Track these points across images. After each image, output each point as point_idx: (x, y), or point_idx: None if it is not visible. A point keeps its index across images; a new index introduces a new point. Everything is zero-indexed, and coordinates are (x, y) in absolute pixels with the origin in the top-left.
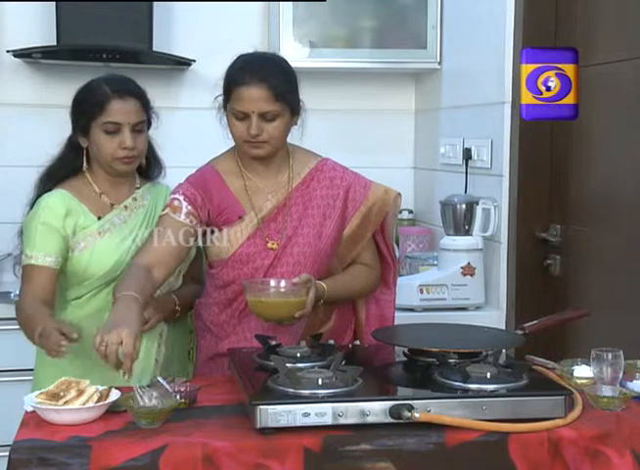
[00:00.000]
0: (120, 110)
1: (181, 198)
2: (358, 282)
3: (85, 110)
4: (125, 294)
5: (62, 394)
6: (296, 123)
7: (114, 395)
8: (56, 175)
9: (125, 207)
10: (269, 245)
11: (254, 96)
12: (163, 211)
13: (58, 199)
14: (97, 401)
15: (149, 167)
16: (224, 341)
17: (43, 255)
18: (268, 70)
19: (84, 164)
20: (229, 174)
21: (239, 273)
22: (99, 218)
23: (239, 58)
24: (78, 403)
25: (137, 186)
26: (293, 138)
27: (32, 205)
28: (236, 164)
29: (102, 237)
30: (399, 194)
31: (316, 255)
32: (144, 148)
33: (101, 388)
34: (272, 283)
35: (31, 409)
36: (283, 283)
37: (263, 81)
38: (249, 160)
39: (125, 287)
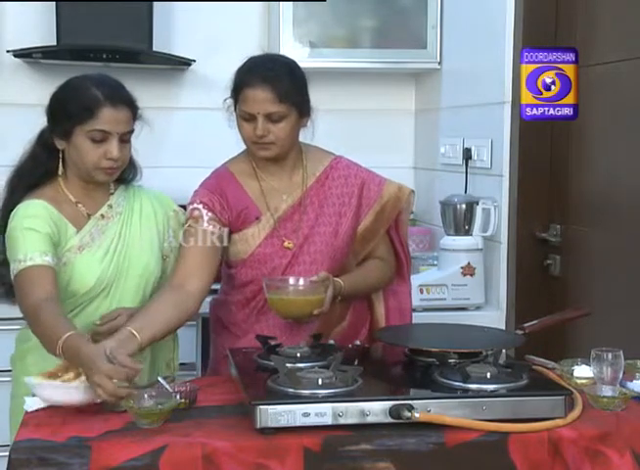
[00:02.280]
0: (112, 118)
1: (200, 206)
2: (373, 276)
3: (71, 113)
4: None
5: (59, 374)
6: (305, 125)
7: None
8: (28, 178)
9: (102, 215)
10: (285, 244)
11: (259, 97)
12: (186, 223)
13: (40, 208)
14: None
15: (123, 171)
16: (242, 339)
17: (39, 254)
18: (273, 72)
19: (60, 169)
20: (244, 176)
21: (257, 273)
22: (78, 230)
23: (248, 60)
24: (76, 383)
25: (111, 191)
26: (304, 139)
27: (4, 211)
28: (250, 166)
29: (81, 252)
30: (413, 191)
31: (333, 252)
32: (128, 158)
33: None
34: (291, 281)
35: (32, 409)
36: (302, 281)
37: (267, 83)
38: (262, 161)
39: (133, 320)
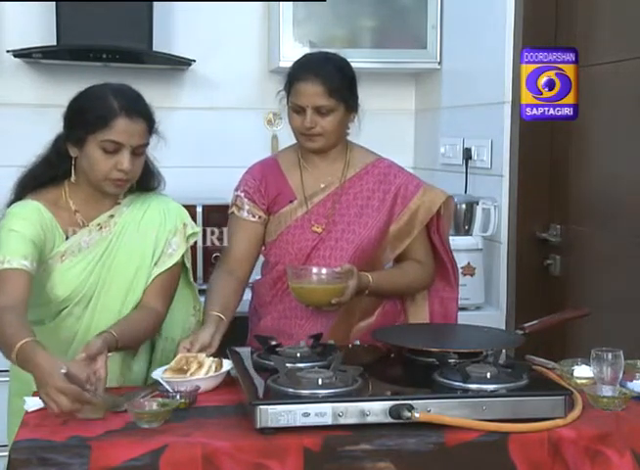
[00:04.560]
0: (126, 130)
1: (242, 195)
2: (407, 277)
3: (85, 121)
4: (209, 314)
5: (185, 367)
6: (352, 120)
7: (227, 364)
8: (39, 179)
9: (99, 225)
10: (314, 228)
11: (310, 91)
12: (230, 209)
13: (31, 210)
14: (215, 370)
15: (143, 182)
16: (266, 318)
17: (19, 258)
18: (324, 68)
19: (73, 176)
20: (288, 164)
21: (284, 253)
22: (67, 238)
23: (302, 56)
24: (203, 374)
25: (118, 201)
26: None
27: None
28: (296, 156)
29: (62, 262)
30: (451, 197)
31: (359, 242)
32: (139, 172)
33: (215, 359)
34: (314, 270)
35: (32, 409)
36: (324, 271)
37: (318, 77)
38: (308, 152)
39: (210, 305)
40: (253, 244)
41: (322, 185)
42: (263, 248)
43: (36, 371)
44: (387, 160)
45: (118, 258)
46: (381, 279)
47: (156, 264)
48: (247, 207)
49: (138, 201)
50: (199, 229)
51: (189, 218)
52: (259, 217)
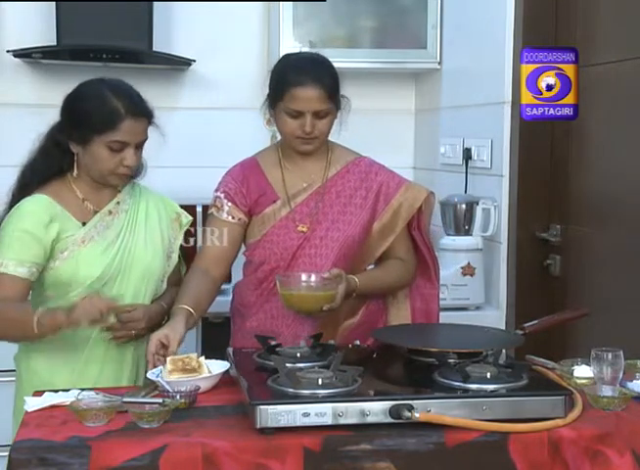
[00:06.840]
0: (132, 130)
1: (222, 195)
2: (391, 276)
3: (92, 123)
4: (180, 307)
5: (188, 367)
6: (336, 117)
7: (220, 364)
8: (41, 174)
9: (109, 211)
10: (299, 228)
11: (309, 96)
12: (210, 209)
13: (40, 205)
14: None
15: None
16: (252, 318)
17: (14, 264)
18: (319, 72)
19: (75, 171)
20: (268, 165)
21: (269, 253)
22: (83, 224)
23: (288, 58)
24: (205, 373)
25: (119, 189)
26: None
27: (10, 206)
28: (277, 156)
29: (86, 245)
30: (432, 193)
31: (343, 240)
32: (139, 163)
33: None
34: (303, 277)
35: (32, 409)
36: (313, 277)
37: (317, 82)
38: (290, 152)
39: (182, 299)
40: (231, 245)
41: (304, 184)
42: (244, 249)
43: (62, 313)
44: (367, 158)
45: (135, 242)
46: (366, 281)
47: (167, 255)
48: (226, 208)
49: (135, 191)
50: (191, 218)
51: (179, 207)
52: (239, 219)
